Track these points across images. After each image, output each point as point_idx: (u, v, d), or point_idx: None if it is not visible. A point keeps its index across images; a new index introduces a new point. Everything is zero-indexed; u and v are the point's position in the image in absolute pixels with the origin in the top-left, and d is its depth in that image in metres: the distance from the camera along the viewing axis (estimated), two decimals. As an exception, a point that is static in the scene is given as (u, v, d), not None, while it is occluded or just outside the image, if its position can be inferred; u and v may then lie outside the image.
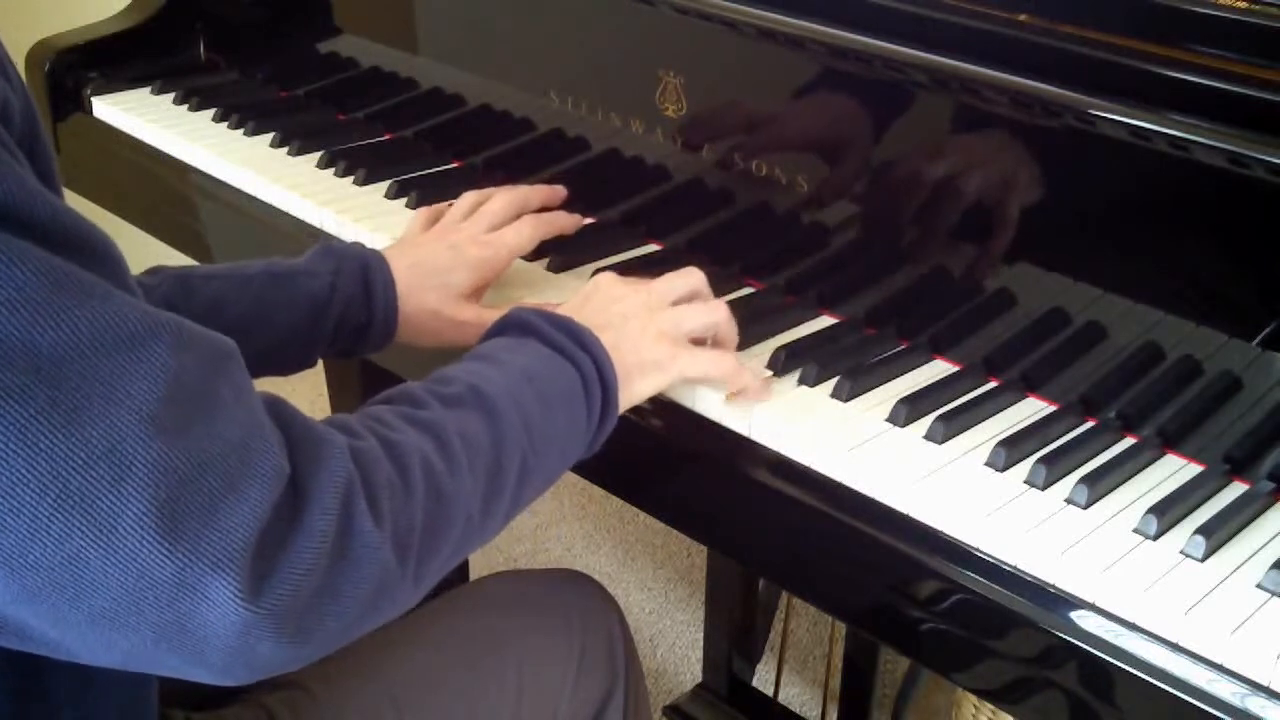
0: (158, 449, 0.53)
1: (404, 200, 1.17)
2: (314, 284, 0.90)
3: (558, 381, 0.76)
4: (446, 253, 0.96)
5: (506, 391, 0.73)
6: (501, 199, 1.01)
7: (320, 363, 1.63)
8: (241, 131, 1.33)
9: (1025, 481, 0.80)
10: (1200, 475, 0.81)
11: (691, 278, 0.89)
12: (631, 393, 0.83)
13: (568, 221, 1.04)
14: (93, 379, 0.52)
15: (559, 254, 1.06)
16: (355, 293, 0.92)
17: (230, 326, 0.79)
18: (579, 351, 0.78)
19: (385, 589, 0.62)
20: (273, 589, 0.55)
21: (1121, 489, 0.80)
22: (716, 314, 0.88)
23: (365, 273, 0.92)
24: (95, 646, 0.55)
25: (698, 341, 0.88)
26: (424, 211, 1.04)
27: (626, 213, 1.14)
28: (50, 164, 0.59)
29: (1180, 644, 0.69)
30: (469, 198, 1.03)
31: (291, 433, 0.60)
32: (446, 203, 1.05)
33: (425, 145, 1.30)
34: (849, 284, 1.00)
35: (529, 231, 0.99)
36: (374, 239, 1.10)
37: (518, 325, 0.80)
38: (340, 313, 0.91)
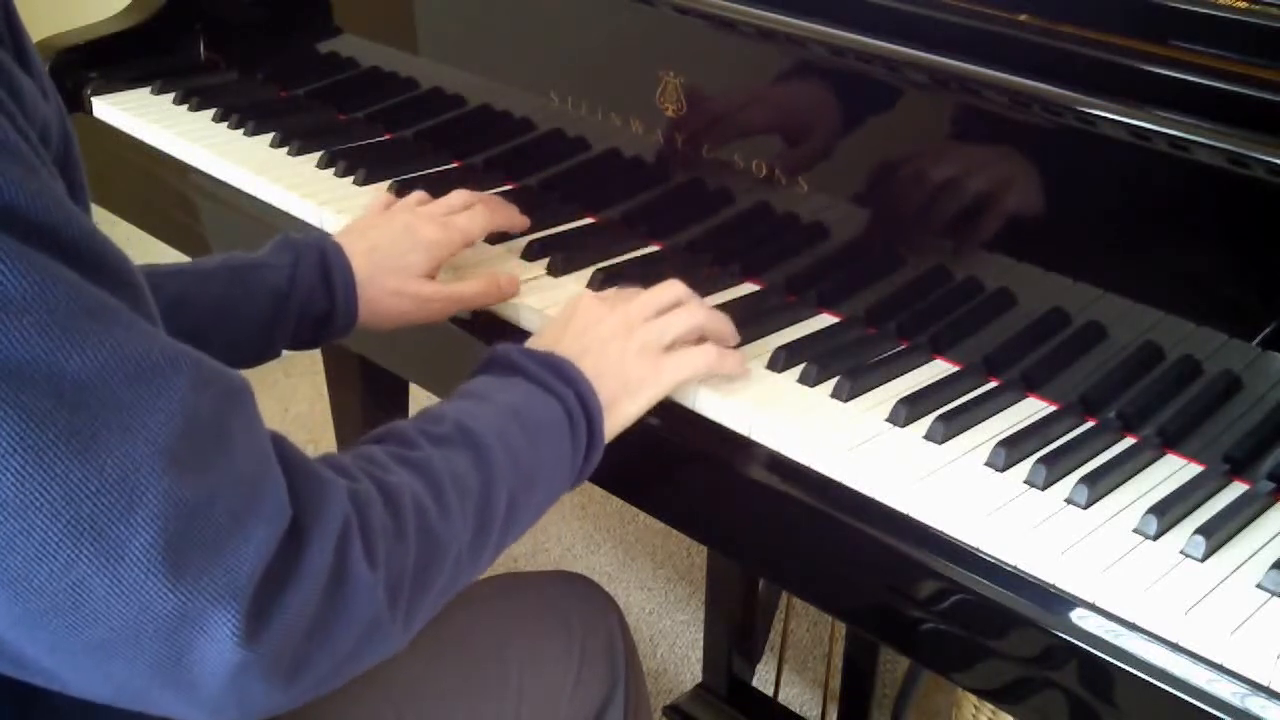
0: (169, 482, 0.52)
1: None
2: (274, 276, 0.91)
3: (543, 417, 0.77)
4: (402, 234, 0.98)
5: (494, 429, 0.73)
6: (460, 192, 1.05)
7: (321, 364, 1.64)
8: (241, 131, 1.33)
9: (1025, 481, 0.80)
10: (1200, 475, 0.81)
11: (671, 290, 0.90)
12: (620, 416, 0.83)
13: (519, 220, 1.07)
14: (112, 408, 0.51)
15: (560, 254, 1.06)
16: (314, 282, 0.93)
17: (193, 322, 0.79)
18: (562, 386, 0.79)
19: (376, 631, 0.62)
20: (269, 628, 0.55)
21: (1121, 489, 0.80)
22: (696, 316, 0.88)
23: (323, 261, 0.94)
24: (91, 677, 0.55)
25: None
26: (382, 197, 1.07)
27: (627, 213, 1.14)
28: (82, 183, 0.59)
29: (1180, 644, 0.69)
30: (420, 192, 1.07)
31: (292, 472, 0.59)
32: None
33: (425, 145, 1.30)
34: (849, 283, 1.00)
35: (482, 219, 1.02)
36: (374, 239, 1.10)
37: (502, 363, 0.81)
38: (301, 302, 0.92)
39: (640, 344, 0.85)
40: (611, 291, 0.91)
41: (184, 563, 0.52)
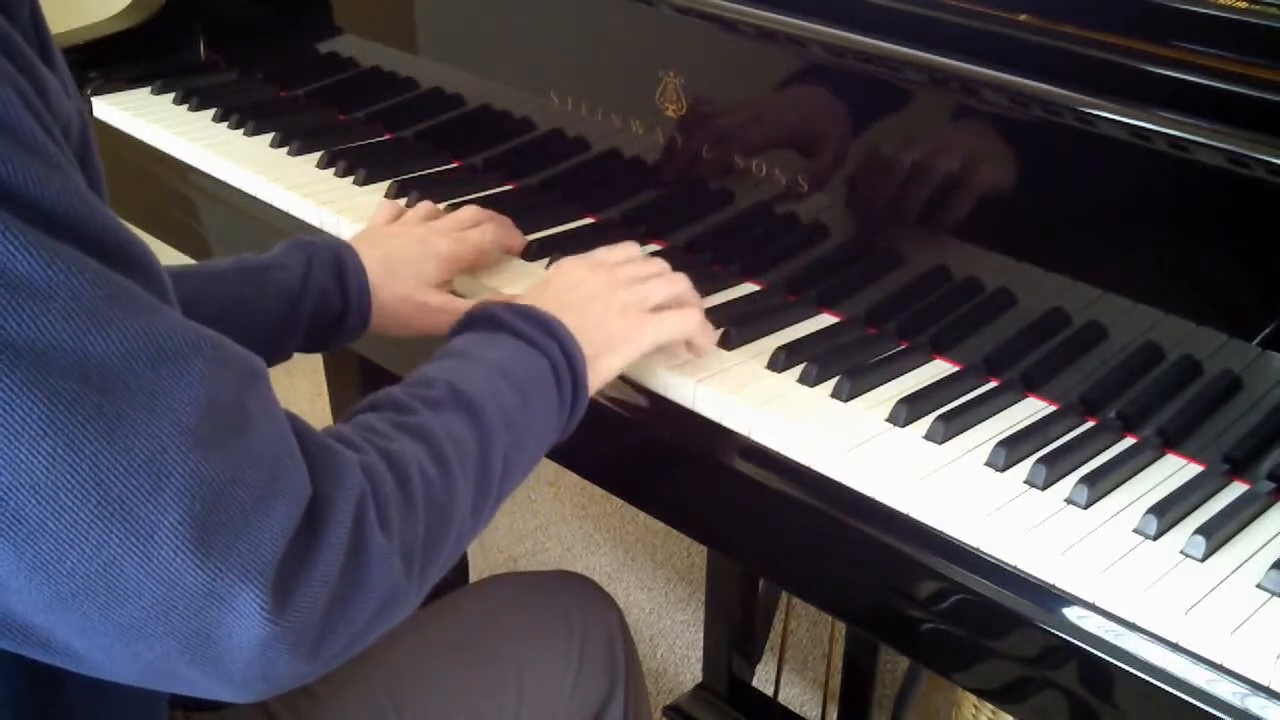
0: (195, 461, 0.53)
1: (404, 200, 1.17)
2: (286, 277, 0.92)
3: (531, 372, 0.78)
4: (416, 245, 1.00)
5: (486, 389, 0.74)
6: (469, 208, 1.07)
7: (321, 364, 1.64)
8: (241, 131, 1.33)
9: (1025, 481, 0.80)
10: (1200, 475, 0.81)
11: (653, 264, 0.91)
12: (602, 372, 0.84)
13: (520, 242, 1.09)
14: (137, 389, 0.52)
15: (559, 254, 1.06)
16: (328, 284, 0.93)
17: (204, 322, 0.79)
18: (547, 340, 0.80)
19: (394, 599, 0.63)
20: (293, 602, 0.56)
21: (1121, 489, 0.80)
22: (677, 285, 0.90)
23: (338, 264, 0.94)
24: (120, 658, 0.55)
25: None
26: (388, 205, 1.09)
27: (627, 213, 1.14)
28: (99, 177, 0.60)
29: (1180, 644, 0.69)
30: (426, 205, 1.09)
31: (308, 449, 0.60)
32: (404, 201, 1.12)
33: (425, 145, 1.30)
34: (849, 283, 1.00)
35: (492, 234, 1.05)
36: (374, 239, 1.10)
37: (486, 320, 0.82)
38: (314, 304, 0.92)
39: (622, 304, 0.86)
40: (596, 251, 0.92)
41: (211, 540, 0.53)
